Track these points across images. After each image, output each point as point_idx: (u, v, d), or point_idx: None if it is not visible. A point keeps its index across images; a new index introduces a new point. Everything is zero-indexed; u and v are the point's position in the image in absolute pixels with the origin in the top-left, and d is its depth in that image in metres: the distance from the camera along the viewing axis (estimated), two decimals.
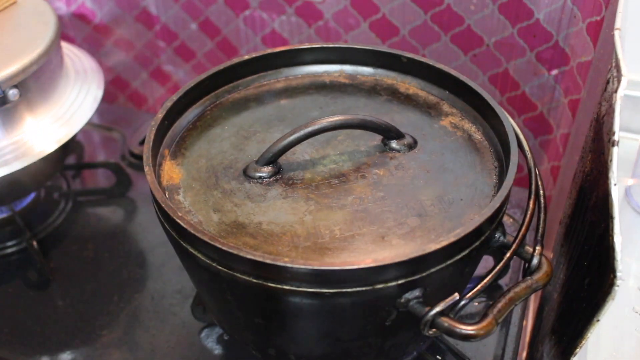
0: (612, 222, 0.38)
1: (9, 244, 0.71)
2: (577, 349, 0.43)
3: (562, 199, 0.70)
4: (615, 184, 0.39)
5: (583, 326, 0.42)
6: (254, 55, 0.58)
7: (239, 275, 0.43)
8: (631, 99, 0.68)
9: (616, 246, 0.37)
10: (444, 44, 0.78)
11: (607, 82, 0.48)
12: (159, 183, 0.49)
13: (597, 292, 0.41)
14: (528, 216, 0.47)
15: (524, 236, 0.47)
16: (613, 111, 0.42)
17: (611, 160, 0.40)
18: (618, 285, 0.37)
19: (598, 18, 0.67)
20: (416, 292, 0.43)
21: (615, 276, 0.37)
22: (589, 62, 0.70)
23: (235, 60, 0.57)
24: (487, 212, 0.43)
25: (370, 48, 0.58)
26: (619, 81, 0.43)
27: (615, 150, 0.40)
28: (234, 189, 0.49)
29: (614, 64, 0.46)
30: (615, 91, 0.43)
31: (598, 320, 0.40)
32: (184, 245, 0.45)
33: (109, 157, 0.83)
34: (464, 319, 0.43)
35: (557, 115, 0.79)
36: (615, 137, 0.40)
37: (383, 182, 0.49)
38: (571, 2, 0.70)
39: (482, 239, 0.45)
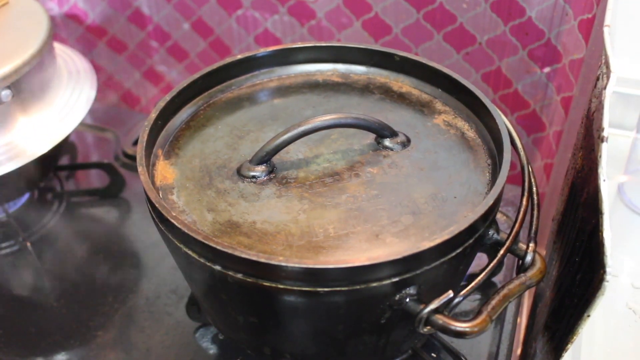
0: (602, 218, 0.38)
1: (3, 245, 0.71)
2: (569, 345, 0.43)
3: (555, 196, 0.70)
4: (604, 180, 0.39)
5: (574, 322, 0.42)
6: (246, 54, 0.58)
7: (233, 274, 0.43)
8: (623, 96, 0.69)
9: (606, 242, 0.38)
10: (437, 43, 0.78)
11: (597, 79, 0.48)
12: (153, 183, 0.49)
13: (587, 287, 0.41)
14: (521, 213, 0.48)
15: (517, 233, 0.47)
16: (602, 107, 0.42)
17: (601, 157, 0.40)
18: (608, 281, 0.38)
19: (589, 15, 0.67)
20: (410, 290, 0.43)
21: (605, 272, 0.37)
22: (581, 59, 0.70)
23: (228, 59, 0.57)
24: (481, 210, 0.44)
25: (363, 47, 0.58)
26: (608, 78, 0.43)
27: (604, 147, 0.40)
28: (228, 189, 0.49)
29: (603, 61, 0.46)
30: (605, 88, 0.43)
31: (589, 316, 0.40)
32: (178, 245, 0.45)
33: (102, 158, 0.83)
34: (459, 317, 0.43)
35: (549, 113, 0.80)
36: (605, 134, 0.41)
37: (377, 180, 0.49)
38: (563, 0, 0.70)
39: (476, 236, 0.45)
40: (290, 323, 0.47)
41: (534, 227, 0.48)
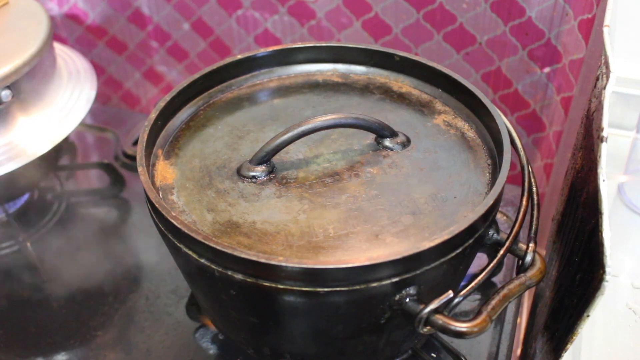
0: (601, 218, 0.38)
1: (3, 245, 0.71)
2: (569, 345, 0.43)
3: (555, 196, 0.70)
4: (604, 180, 0.39)
5: (574, 322, 0.42)
6: (246, 54, 0.58)
7: (233, 274, 0.43)
8: (623, 96, 0.69)
9: (605, 242, 0.38)
10: (437, 43, 0.78)
11: (597, 79, 0.48)
12: (153, 183, 0.49)
13: (587, 287, 0.41)
14: (521, 213, 0.48)
15: (517, 233, 0.47)
16: (602, 107, 0.42)
17: (600, 156, 0.40)
18: (607, 281, 0.38)
19: (589, 15, 0.67)
20: (410, 290, 0.43)
21: (604, 272, 0.37)
22: (581, 59, 0.70)
23: (228, 59, 0.57)
24: (481, 210, 0.44)
25: (363, 47, 0.58)
26: (607, 78, 0.43)
27: (604, 146, 0.40)
28: (228, 189, 0.49)
29: (603, 61, 0.46)
30: (604, 88, 0.43)
31: (588, 316, 0.40)
32: (178, 245, 0.45)
33: (102, 158, 0.83)
34: (459, 317, 0.43)
35: (549, 113, 0.80)
36: (604, 133, 0.41)
37: (377, 180, 0.49)
38: (563, 0, 0.70)
39: (476, 236, 0.45)
40: (290, 323, 0.47)
41: (533, 227, 0.48)
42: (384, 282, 0.42)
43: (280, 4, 0.81)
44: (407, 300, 0.43)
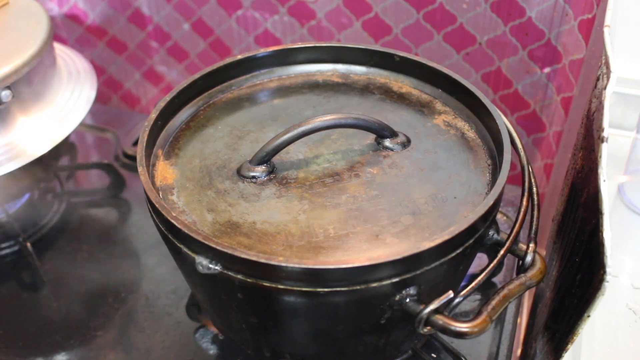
0: (601, 218, 0.38)
1: (3, 245, 0.71)
2: (569, 345, 0.43)
3: (555, 196, 0.70)
4: (604, 180, 0.39)
5: (574, 322, 0.42)
6: (246, 55, 0.58)
7: (233, 274, 0.43)
8: (623, 96, 0.69)
9: (606, 242, 0.38)
10: (437, 43, 0.78)
11: (597, 79, 0.48)
12: (153, 183, 0.49)
13: (587, 288, 0.41)
14: (521, 214, 0.48)
15: (517, 233, 0.47)
16: (602, 108, 0.42)
17: (601, 157, 0.40)
18: (608, 281, 0.38)
19: (590, 15, 0.67)
20: (411, 290, 0.43)
21: (605, 272, 0.37)
22: (581, 59, 0.70)
23: (228, 60, 0.57)
24: (481, 210, 0.44)
25: (363, 47, 0.58)
26: (608, 78, 0.43)
27: (604, 147, 0.40)
28: (228, 189, 0.49)
29: (603, 61, 0.46)
30: (605, 88, 0.43)
31: (589, 316, 0.40)
32: (178, 245, 0.45)
33: (102, 158, 0.83)
34: (459, 317, 0.43)
35: (549, 113, 0.80)
36: (605, 134, 0.41)
37: (377, 180, 0.49)
38: (563, 0, 0.70)
39: (476, 236, 0.45)
40: (290, 323, 0.47)
41: (534, 228, 0.48)
42: (384, 282, 0.42)
43: (280, 4, 0.81)
44: (407, 300, 0.43)
